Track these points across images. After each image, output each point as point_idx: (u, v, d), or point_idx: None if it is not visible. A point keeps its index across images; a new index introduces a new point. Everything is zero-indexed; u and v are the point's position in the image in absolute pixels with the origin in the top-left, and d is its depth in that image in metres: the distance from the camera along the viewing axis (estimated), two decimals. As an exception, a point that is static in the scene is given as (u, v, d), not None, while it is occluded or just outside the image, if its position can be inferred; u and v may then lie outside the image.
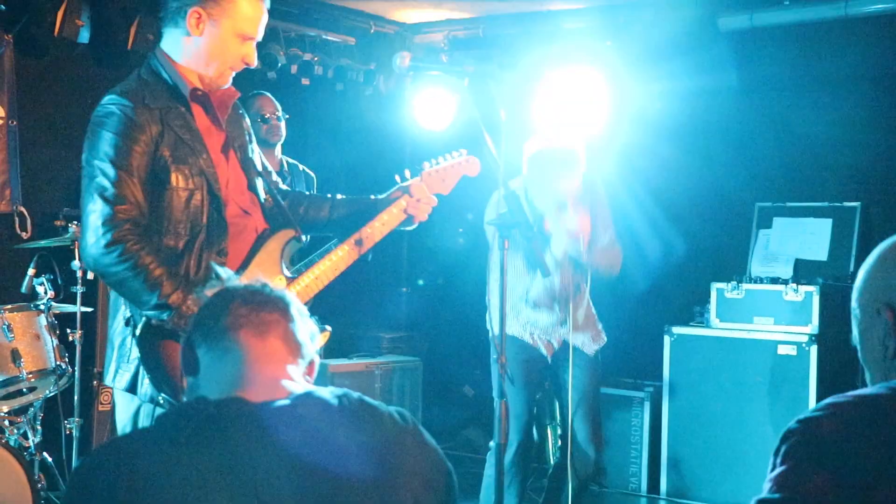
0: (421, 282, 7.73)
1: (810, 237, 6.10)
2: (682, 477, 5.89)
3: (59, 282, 4.85)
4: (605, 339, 4.60)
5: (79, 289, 4.72)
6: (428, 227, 7.21)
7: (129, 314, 2.95)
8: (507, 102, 4.51)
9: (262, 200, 3.17)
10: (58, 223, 5.20)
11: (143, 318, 2.86)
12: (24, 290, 4.62)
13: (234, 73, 3.07)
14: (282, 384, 1.85)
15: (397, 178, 5.20)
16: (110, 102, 2.91)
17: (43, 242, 4.79)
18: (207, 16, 2.94)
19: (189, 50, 2.98)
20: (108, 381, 3.02)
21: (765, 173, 6.41)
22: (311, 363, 1.97)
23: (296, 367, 1.91)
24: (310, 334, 1.97)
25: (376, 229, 3.30)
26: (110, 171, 2.83)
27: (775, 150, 6.38)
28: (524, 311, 4.40)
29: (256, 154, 3.24)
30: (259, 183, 3.17)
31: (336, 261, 3.20)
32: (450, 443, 7.08)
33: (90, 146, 2.89)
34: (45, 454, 4.49)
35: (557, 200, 4.26)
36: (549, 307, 4.37)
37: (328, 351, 6.45)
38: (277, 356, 1.89)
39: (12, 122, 5.43)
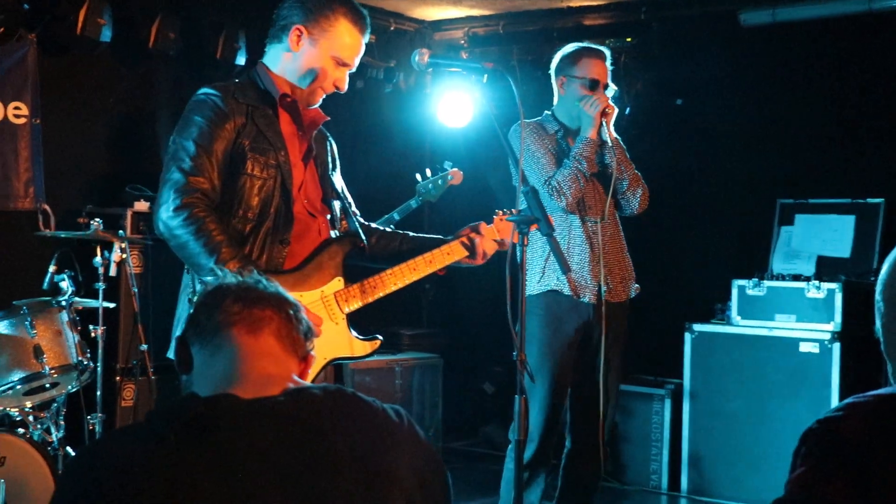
0: (427, 285, 7.74)
1: (833, 234, 6.07)
2: (703, 474, 5.87)
3: (81, 278, 4.88)
4: (638, 287, 4.57)
5: (101, 285, 4.75)
6: (449, 226, 7.22)
7: (191, 291, 3.10)
8: (526, 99, 4.55)
9: (336, 218, 3.34)
10: (80, 220, 5.24)
11: (201, 287, 2.96)
12: (45, 286, 4.64)
13: (324, 95, 3.27)
14: (274, 380, 1.83)
15: (417, 176, 5.24)
16: (202, 93, 3.14)
17: (63, 234, 4.82)
18: (308, 34, 3.17)
19: (286, 63, 3.21)
20: (169, 353, 3.07)
21: (786, 169, 6.38)
22: (305, 359, 1.95)
23: (290, 364, 1.90)
24: (304, 329, 1.95)
25: (437, 257, 3.44)
26: (191, 147, 3.04)
27: (797, 146, 6.35)
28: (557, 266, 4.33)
29: (338, 179, 3.42)
30: (336, 204, 3.34)
31: (396, 275, 3.34)
32: (469, 440, 7.09)
33: (178, 129, 3.10)
34: (68, 449, 4.51)
35: (591, 77, 4.38)
36: (581, 224, 4.38)
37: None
38: (270, 352, 1.88)
39: (35, 121, 5.46)
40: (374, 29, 6.99)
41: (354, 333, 3.23)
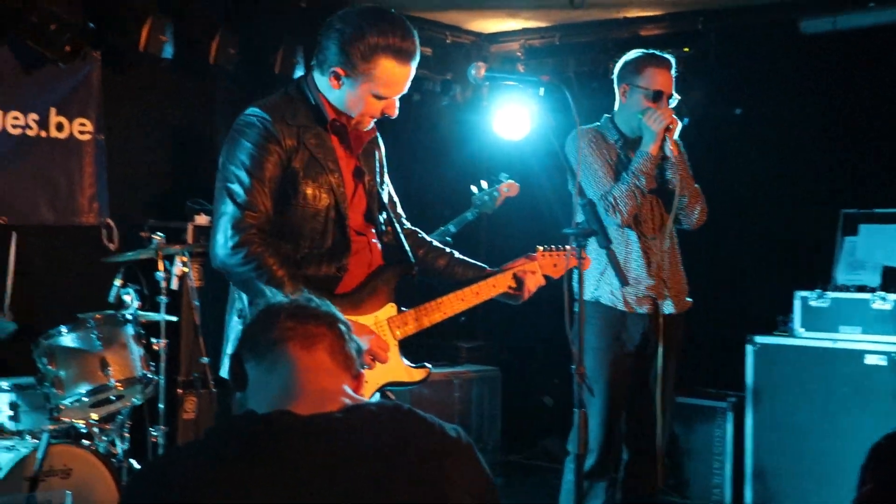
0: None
1: (899, 244, 5.96)
2: (767, 489, 5.78)
3: (145, 292, 4.96)
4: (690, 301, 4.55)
5: (163, 298, 4.82)
6: (505, 238, 7.21)
7: (241, 306, 3.10)
8: (582, 111, 4.54)
9: (382, 230, 3.29)
10: (143, 234, 5.32)
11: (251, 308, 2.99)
12: (111, 300, 4.72)
13: (374, 120, 3.20)
14: (330, 396, 1.85)
15: (473, 188, 5.25)
16: (251, 114, 3.07)
17: (129, 254, 4.89)
18: (346, 78, 3.06)
19: (331, 95, 3.13)
20: (223, 372, 3.13)
21: (850, 178, 6.28)
22: (358, 377, 1.96)
23: (344, 380, 1.91)
24: (356, 349, 1.97)
25: (484, 289, 3.41)
26: (244, 177, 2.99)
27: (861, 155, 6.25)
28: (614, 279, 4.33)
29: (386, 187, 3.38)
30: (380, 215, 3.29)
31: (444, 304, 3.32)
32: (529, 452, 7.06)
33: (227, 152, 3.05)
34: (132, 461, 4.58)
35: (654, 89, 4.32)
36: (639, 240, 4.35)
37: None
38: (324, 369, 1.89)
39: (100, 137, 5.57)
40: (431, 41, 7.11)
41: (405, 360, 3.22)
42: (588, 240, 3.28)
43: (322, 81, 3.13)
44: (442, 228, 5.28)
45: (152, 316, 4.83)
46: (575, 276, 3.28)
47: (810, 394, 5.66)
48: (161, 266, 4.85)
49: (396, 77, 3.07)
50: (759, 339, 5.88)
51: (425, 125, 7.33)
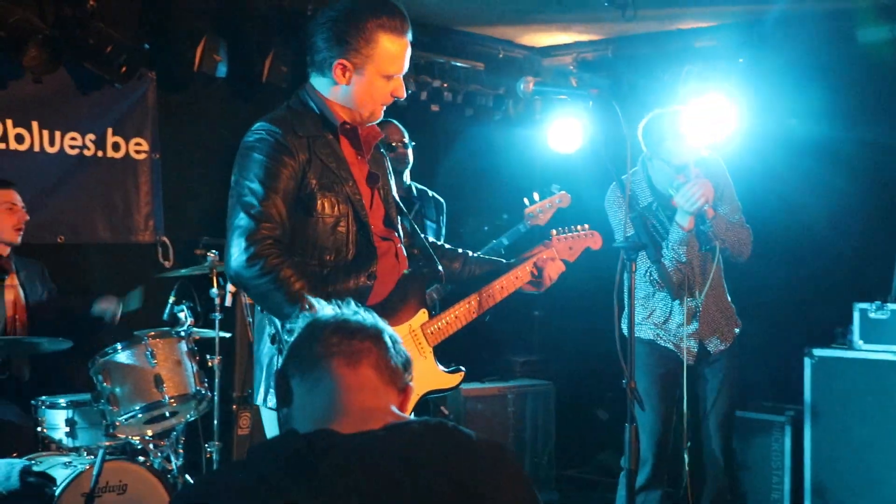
0: (537, 312, 7.73)
1: (959, 254, 5.83)
2: (827, 503, 5.69)
3: (199, 309, 5.01)
4: (740, 323, 4.54)
5: (217, 315, 4.87)
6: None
7: (273, 331, 3.02)
8: (635, 123, 4.52)
9: (401, 236, 3.25)
10: (197, 252, 5.37)
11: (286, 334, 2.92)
12: (165, 317, 4.78)
13: (385, 107, 3.15)
14: (374, 414, 1.83)
15: (525, 200, 5.24)
16: (261, 129, 3.01)
17: (183, 271, 4.95)
18: (352, 66, 3.01)
19: (338, 95, 3.07)
20: (258, 400, 3.09)
21: (909, 188, 6.17)
22: (405, 391, 1.94)
23: (389, 396, 1.89)
24: (403, 361, 1.95)
25: (508, 283, 3.38)
26: (258, 189, 2.92)
27: (919, 164, 6.14)
28: (658, 324, 4.36)
29: (395, 192, 3.32)
30: (399, 220, 3.25)
31: (473, 303, 3.29)
32: (584, 467, 7.01)
33: (240, 168, 2.99)
34: (187, 477, 4.62)
35: (677, 164, 4.23)
36: (681, 303, 4.32)
37: (460, 375, 6.46)
38: (370, 385, 1.87)
39: (155, 156, 5.65)
40: (483, 56, 7.13)
41: (440, 366, 3.20)
42: (638, 253, 3.26)
43: (324, 83, 3.08)
44: (495, 242, 5.27)
45: (206, 333, 4.88)
46: (627, 285, 3.24)
47: (870, 407, 5.55)
48: (215, 283, 4.89)
49: (399, 51, 3.04)
50: (818, 351, 5.79)
51: (478, 140, 7.33)
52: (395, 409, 1.89)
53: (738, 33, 6.62)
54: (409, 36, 3.07)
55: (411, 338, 3.12)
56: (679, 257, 4.22)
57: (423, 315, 3.16)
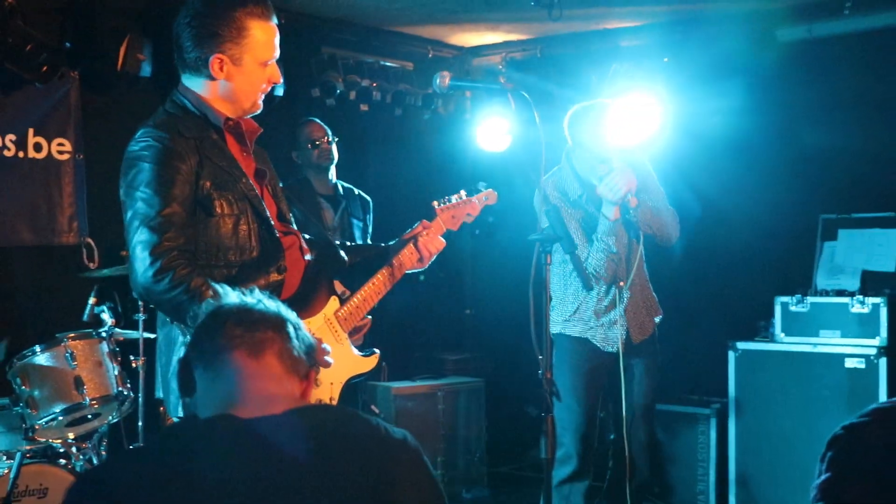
0: (468, 311, 7.77)
1: (877, 248, 5.97)
2: (751, 494, 5.78)
3: (120, 309, 4.96)
4: (661, 312, 4.63)
5: (141, 316, 4.83)
6: (489, 248, 7.22)
7: (185, 340, 2.94)
8: (560, 120, 4.57)
9: (298, 228, 3.26)
10: (123, 254, 5.32)
11: None
12: (85, 318, 4.73)
13: (263, 95, 3.11)
14: (276, 400, 1.85)
15: (434, 203, 5.27)
16: (146, 135, 2.94)
17: (105, 271, 4.90)
18: (229, 59, 2.97)
19: (217, 91, 3.02)
20: (171, 412, 3.01)
21: (828, 185, 6.31)
22: (308, 375, 1.97)
23: (291, 383, 1.92)
24: (306, 346, 1.97)
25: (405, 258, 3.41)
26: (154, 199, 2.85)
27: (838, 162, 6.27)
28: (585, 318, 4.42)
29: (279, 185, 3.31)
30: (289, 216, 3.25)
31: (377, 284, 3.33)
32: (516, 464, 7.06)
33: (131, 179, 2.90)
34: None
35: (599, 154, 4.30)
36: (608, 292, 4.37)
37: (391, 374, 6.49)
38: (272, 373, 1.89)
39: (79, 156, 5.58)
40: (412, 56, 7.15)
41: (356, 351, 3.24)
42: (553, 245, 3.31)
43: (199, 82, 3.03)
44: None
45: (130, 334, 4.84)
46: (542, 276, 3.28)
47: (792, 398, 5.67)
48: (137, 284, 4.84)
49: (271, 35, 3.03)
50: (741, 344, 5.90)
51: (408, 139, 7.36)
52: (296, 394, 1.92)
53: (663, 33, 6.71)
54: (275, 19, 3.06)
55: (327, 326, 3.15)
56: (609, 248, 4.28)
57: (334, 302, 3.19)
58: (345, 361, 3.15)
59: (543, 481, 4.52)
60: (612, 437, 4.57)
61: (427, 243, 3.44)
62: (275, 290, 2.99)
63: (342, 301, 3.21)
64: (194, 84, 3.05)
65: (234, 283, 2.83)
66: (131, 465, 1.73)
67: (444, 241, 3.51)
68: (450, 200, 3.64)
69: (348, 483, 1.75)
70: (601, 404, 4.58)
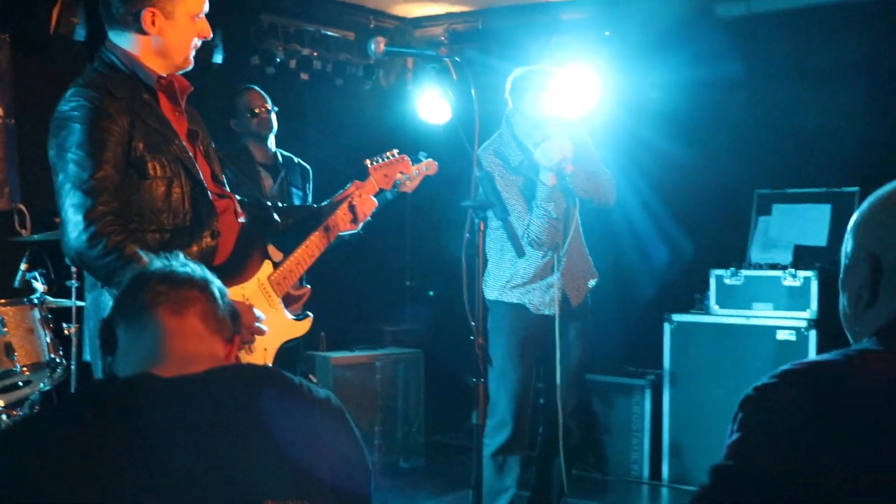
0: (409, 282, 7.78)
1: (809, 223, 6.07)
2: (684, 463, 5.88)
3: (53, 276, 4.89)
4: (597, 275, 4.65)
5: (74, 283, 4.76)
6: (430, 220, 7.22)
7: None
8: (502, 92, 4.57)
9: (231, 189, 3.22)
10: (56, 220, 5.23)
11: None
12: (17, 284, 4.66)
13: (195, 50, 3.07)
14: (196, 359, 1.84)
15: (367, 161, 5.27)
16: (77, 95, 2.88)
17: (36, 237, 4.83)
18: (161, 12, 2.93)
19: (149, 46, 2.97)
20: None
21: (763, 160, 6.39)
22: (232, 339, 1.96)
23: (214, 344, 1.91)
24: (231, 312, 1.97)
25: (339, 219, 3.40)
26: (87, 161, 2.79)
27: (774, 138, 6.36)
28: (522, 284, 4.44)
29: (213, 145, 3.27)
30: (222, 178, 3.21)
31: (311, 246, 3.31)
32: (455, 433, 7.09)
33: (62, 140, 2.84)
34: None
35: (536, 119, 4.32)
36: (543, 257, 4.39)
37: (330, 344, 6.48)
38: (195, 332, 1.89)
39: (10, 121, 5.47)
40: (354, 26, 7.10)
41: (289, 315, 3.23)
42: (487, 211, 3.32)
43: (128, 38, 2.96)
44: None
45: (62, 302, 4.77)
46: (475, 243, 3.29)
47: (725, 370, 5.76)
48: (69, 250, 4.78)
49: None
50: (676, 317, 5.98)
51: (348, 109, 7.32)
52: (219, 355, 1.91)
53: (604, 7, 6.74)
54: None
55: (260, 291, 3.13)
56: (549, 214, 4.30)
57: (267, 266, 3.17)
58: (278, 326, 3.13)
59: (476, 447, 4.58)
60: (542, 401, 4.59)
61: (360, 204, 3.44)
62: (209, 255, 2.96)
63: (275, 265, 3.19)
64: (123, 40, 2.98)
65: (167, 247, 2.84)
66: (49, 424, 1.70)
67: (375, 201, 3.51)
68: (383, 158, 3.65)
69: (269, 441, 1.74)
70: (535, 370, 4.59)
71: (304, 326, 3.26)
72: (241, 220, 3.17)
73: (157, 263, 1.97)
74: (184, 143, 3.01)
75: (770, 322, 5.67)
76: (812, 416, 1.50)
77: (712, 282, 5.93)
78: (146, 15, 2.92)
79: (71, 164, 2.81)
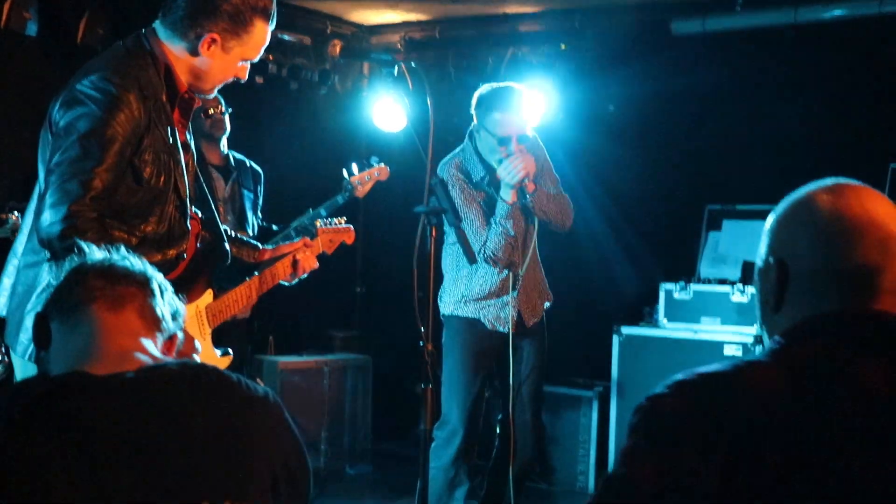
0: (359, 289, 7.77)
1: (759, 239, 6.11)
2: (629, 476, 5.90)
3: (-1, 272, 4.81)
4: (552, 297, 4.67)
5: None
6: (382, 226, 7.20)
7: None
8: (463, 104, 4.58)
9: (198, 213, 3.18)
10: (2, 216, 5.16)
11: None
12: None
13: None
14: (131, 357, 1.79)
15: (344, 171, 5.25)
16: (109, 79, 2.78)
17: (-17, 233, 4.76)
18: (221, 42, 2.89)
19: (189, 62, 2.94)
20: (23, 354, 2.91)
21: (715, 176, 6.46)
22: (171, 338, 1.92)
23: (152, 342, 1.86)
24: (171, 310, 1.93)
25: (279, 272, 3.43)
26: (97, 152, 2.71)
27: (725, 154, 6.43)
28: (477, 300, 4.45)
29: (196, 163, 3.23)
30: (205, 192, 3.19)
31: (250, 288, 3.34)
32: (402, 440, 7.07)
33: (75, 118, 2.74)
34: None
35: (500, 136, 4.30)
36: (500, 274, 4.41)
37: (278, 347, 6.45)
38: (131, 329, 1.84)
39: (-40, 116, 5.39)
40: (310, 31, 7.08)
41: (215, 350, 3.21)
42: (439, 218, 3.32)
43: (178, 45, 2.92)
44: (312, 212, 5.26)
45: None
46: (427, 249, 3.29)
47: (671, 383, 5.79)
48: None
49: (265, 39, 2.98)
50: (626, 329, 6.02)
51: (303, 114, 7.29)
52: (155, 352, 1.86)
53: (561, 20, 6.78)
54: (273, 25, 3.00)
55: (196, 318, 3.09)
56: (508, 231, 4.31)
57: (208, 296, 3.14)
58: (204, 356, 3.05)
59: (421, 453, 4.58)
60: (499, 416, 4.60)
61: (303, 260, 3.46)
62: (167, 269, 2.89)
63: (215, 297, 3.16)
64: (171, 42, 2.93)
65: (135, 250, 2.79)
66: None
67: (317, 262, 3.53)
68: (332, 223, 3.68)
69: (205, 440, 1.70)
70: (488, 383, 4.61)
71: (224, 362, 3.21)
72: (199, 244, 3.12)
73: (97, 256, 1.92)
74: (181, 159, 2.96)
75: (717, 337, 5.73)
76: (693, 425, 1.52)
77: (661, 295, 5.98)
78: (207, 39, 2.89)
79: (78, 146, 2.71)
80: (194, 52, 2.91)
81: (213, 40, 2.88)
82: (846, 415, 1.50)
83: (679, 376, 1.59)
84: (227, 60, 2.93)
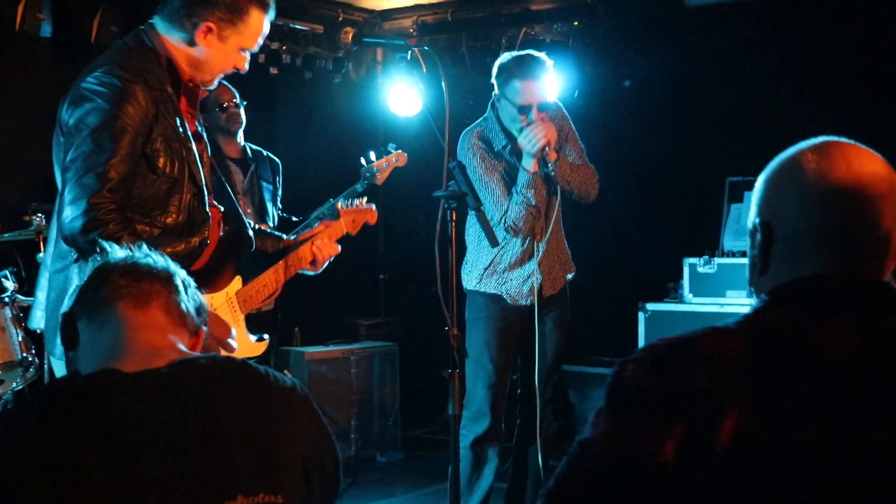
0: (382, 276, 7.77)
1: (781, 209, 6.09)
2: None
3: (24, 274, 4.85)
4: (574, 268, 4.65)
5: (44, 281, 4.71)
6: (403, 212, 7.21)
7: None
8: (477, 86, 4.57)
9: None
10: (25, 218, 5.18)
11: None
12: (-13, 283, 4.61)
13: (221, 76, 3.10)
14: (160, 353, 1.81)
15: (362, 160, 5.24)
16: (113, 75, 2.83)
17: (7, 235, 4.78)
18: (217, 31, 2.95)
19: (187, 52, 2.99)
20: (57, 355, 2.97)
21: (736, 148, 6.41)
22: (197, 333, 1.93)
23: (178, 337, 1.88)
24: (195, 305, 1.94)
25: (302, 258, 3.39)
26: (108, 146, 2.76)
27: (746, 125, 6.38)
28: (500, 272, 4.43)
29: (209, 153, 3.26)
30: (212, 186, 3.20)
31: (277, 273, 3.31)
32: (430, 427, 7.09)
33: (84, 114, 2.80)
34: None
35: (521, 104, 4.26)
36: (523, 244, 4.39)
37: (304, 338, 6.46)
38: (158, 326, 1.86)
39: (-24, 120, 5.42)
40: (322, 19, 7.06)
41: (250, 335, 3.21)
42: (458, 202, 3.31)
43: (176, 36, 2.97)
44: (332, 201, 5.24)
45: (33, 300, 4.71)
46: (448, 232, 3.28)
47: (699, 358, 5.77)
48: (42, 248, 4.73)
49: (262, 28, 3.03)
50: (650, 305, 5.99)
51: (318, 103, 7.29)
52: (182, 347, 1.87)
53: (574, -3, 6.74)
54: (272, 16, 3.04)
55: (228, 305, 3.11)
56: (529, 201, 4.29)
57: (237, 282, 3.15)
58: (238, 343, 3.08)
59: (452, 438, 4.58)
60: (518, 392, 4.58)
61: (322, 248, 3.42)
62: (192, 257, 2.95)
63: (244, 282, 3.17)
64: (170, 34, 2.98)
65: (155, 242, 2.78)
66: (13, 423, 1.66)
67: (338, 247, 3.50)
68: (353, 203, 3.66)
69: (236, 434, 1.71)
70: (513, 362, 4.58)
71: (260, 348, 3.23)
72: (222, 233, 3.15)
73: (119, 255, 1.94)
74: (193, 148, 3.00)
75: (744, 310, 5.63)
76: (654, 392, 1.51)
77: (685, 270, 5.94)
78: (203, 28, 2.94)
79: (90, 141, 2.77)
80: (191, 42, 2.96)
81: (210, 29, 2.93)
82: (804, 382, 1.48)
83: (655, 341, 1.59)
84: (224, 50, 2.98)
